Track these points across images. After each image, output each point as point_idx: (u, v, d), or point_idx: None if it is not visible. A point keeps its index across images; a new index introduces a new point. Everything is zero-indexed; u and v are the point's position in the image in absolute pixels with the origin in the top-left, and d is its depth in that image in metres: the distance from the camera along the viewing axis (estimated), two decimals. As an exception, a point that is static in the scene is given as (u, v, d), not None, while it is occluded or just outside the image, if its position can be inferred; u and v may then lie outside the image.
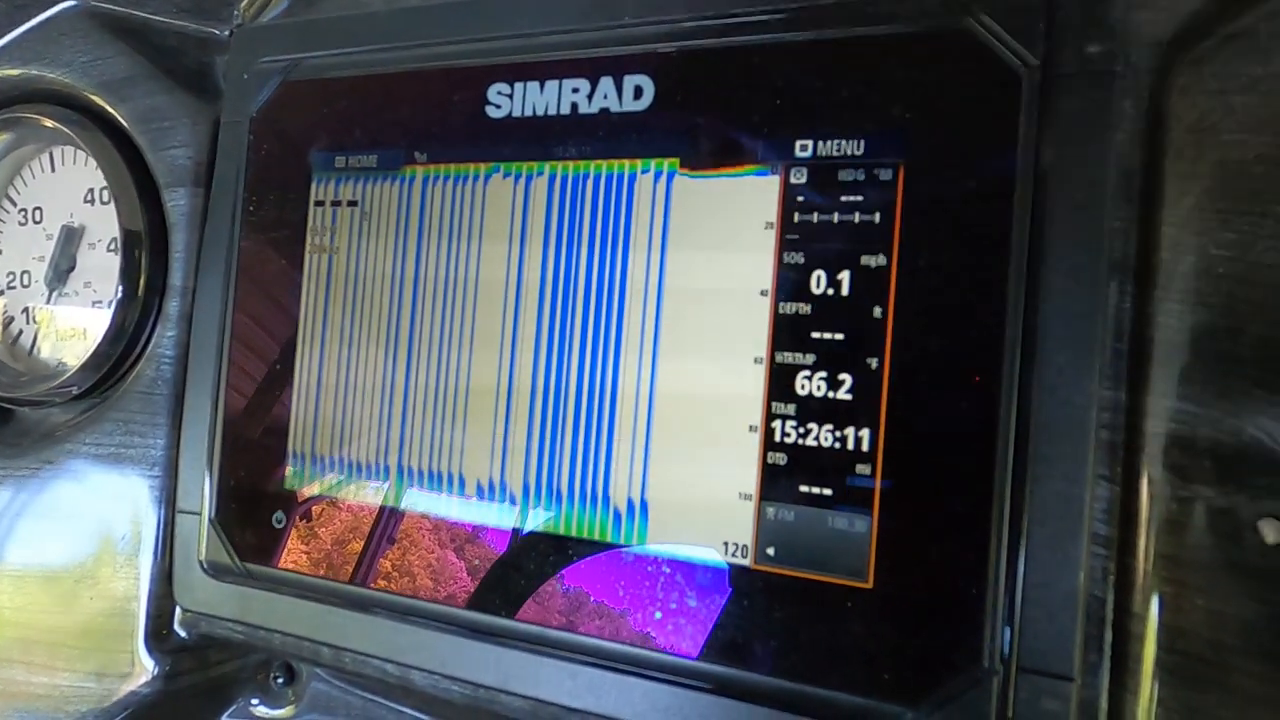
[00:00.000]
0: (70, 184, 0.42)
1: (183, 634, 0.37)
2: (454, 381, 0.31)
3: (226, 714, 0.39)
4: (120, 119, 0.39)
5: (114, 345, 0.38)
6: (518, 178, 0.31)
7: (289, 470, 0.34)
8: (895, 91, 0.26)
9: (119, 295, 0.38)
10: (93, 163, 0.40)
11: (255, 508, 0.35)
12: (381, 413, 0.33)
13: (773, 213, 0.27)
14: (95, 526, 0.38)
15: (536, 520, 0.30)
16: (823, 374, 0.26)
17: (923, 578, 0.24)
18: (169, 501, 0.37)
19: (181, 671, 0.37)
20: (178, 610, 0.37)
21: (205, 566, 0.35)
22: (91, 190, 0.42)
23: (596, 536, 0.29)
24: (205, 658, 0.38)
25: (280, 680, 0.39)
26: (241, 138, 0.36)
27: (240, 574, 0.35)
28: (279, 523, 0.34)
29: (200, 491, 0.36)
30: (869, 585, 0.25)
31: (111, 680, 0.37)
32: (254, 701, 0.39)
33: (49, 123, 0.39)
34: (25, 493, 0.39)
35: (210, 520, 0.35)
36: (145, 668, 0.37)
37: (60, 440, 0.39)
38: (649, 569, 0.28)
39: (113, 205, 0.39)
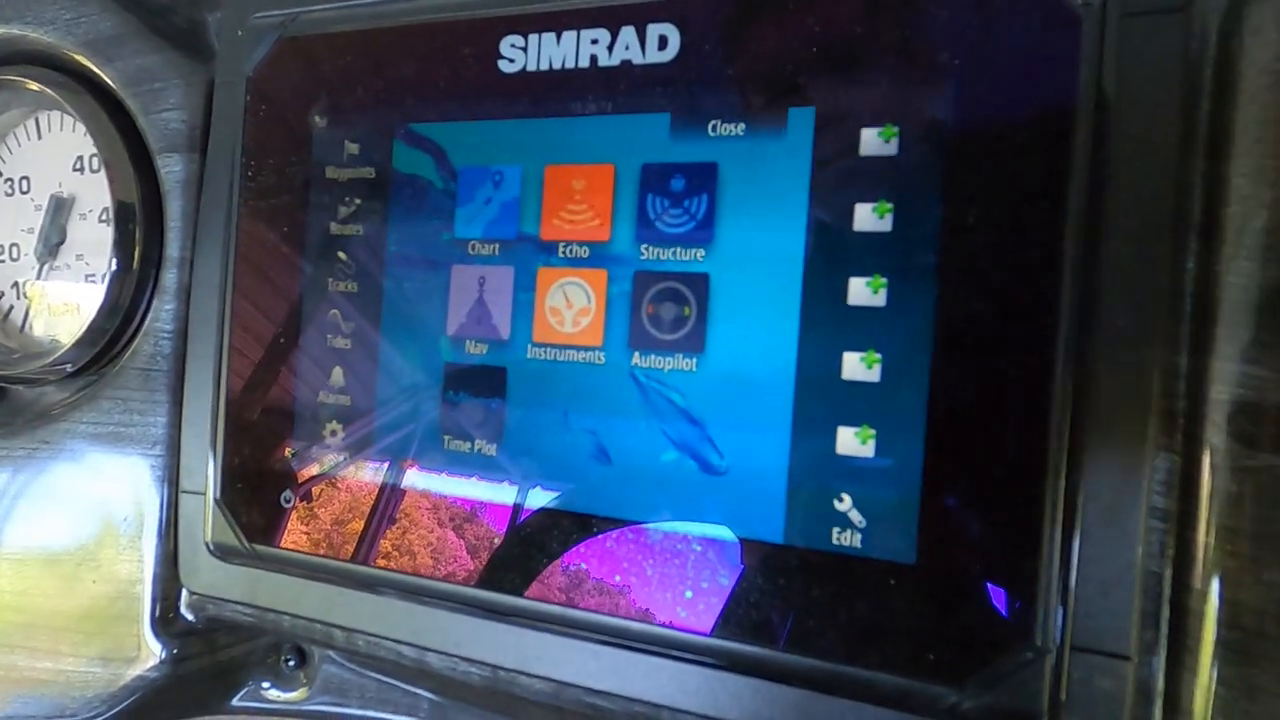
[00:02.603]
0: (58, 151, 0.40)
1: (190, 617, 0.36)
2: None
3: (237, 697, 0.38)
4: (108, 81, 0.36)
5: (109, 320, 0.37)
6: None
7: (293, 448, 0.33)
8: (943, 34, 0.24)
9: (113, 268, 0.36)
10: (81, 128, 0.38)
11: (262, 487, 0.33)
12: (386, 388, 0.31)
13: (806, 168, 0.25)
14: (96, 508, 0.36)
15: (552, 497, 0.28)
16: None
17: (971, 553, 0.23)
18: (172, 481, 0.36)
19: (189, 655, 0.36)
20: (184, 593, 0.36)
21: (211, 548, 0.34)
22: (80, 158, 0.40)
23: (621, 514, 0.27)
24: (213, 641, 0.37)
25: (291, 663, 0.38)
26: (238, 99, 0.34)
27: (248, 555, 0.33)
28: (287, 502, 0.33)
29: (204, 471, 0.34)
30: (913, 561, 0.24)
31: (118, 665, 0.36)
32: (265, 685, 0.38)
33: (34, 86, 0.37)
34: (21, 474, 0.37)
35: (215, 500, 0.34)
36: (152, 652, 0.36)
37: (56, 419, 0.37)
38: (678, 546, 0.27)
39: (103, 173, 0.37)
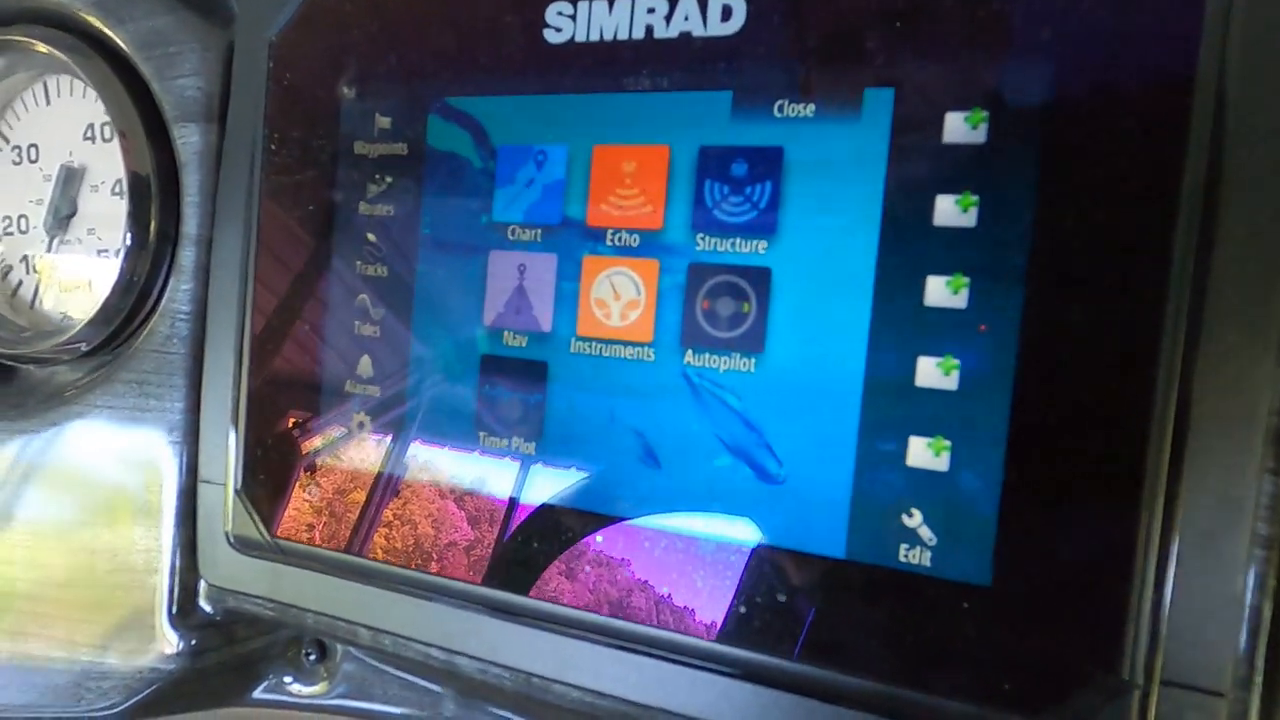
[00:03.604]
0: (68, 118, 0.38)
1: (208, 609, 0.35)
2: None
3: (257, 691, 0.37)
4: (120, 44, 0.34)
5: (123, 299, 0.35)
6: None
7: (318, 441, 0.31)
8: (1043, 9, 0.22)
9: (127, 244, 0.34)
10: (92, 94, 0.36)
11: (285, 480, 0.32)
12: (418, 379, 0.29)
13: (883, 154, 0.23)
14: (111, 495, 0.35)
15: (595, 500, 0.27)
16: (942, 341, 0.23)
17: (1053, 576, 0.21)
18: (190, 469, 0.34)
19: (208, 648, 0.35)
20: (202, 584, 0.35)
21: (232, 540, 0.33)
22: (92, 126, 0.38)
23: (670, 521, 0.26)
24: (232, 633, 0.36)
25: (312, 657, 0.37)
26: (259, 66, 0.32)
27: (270, 549, 0.32)
28: (310, 498, 0.31)
29: (223, 461, 0.33)
30: (988, 583, 0.22)
31: (134, 656, 0.35)
32: (286, 678, 0.37)
33: (42, 48, 0.35)
34: (32, 457, 0.36)
35: (236, 491, 0.33)
36: (170, 643, 0.35)
37: (69, 401, 0.36)
38: (731, 558, 0.25)
39: (116, 143, 0.35)
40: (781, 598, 0.24)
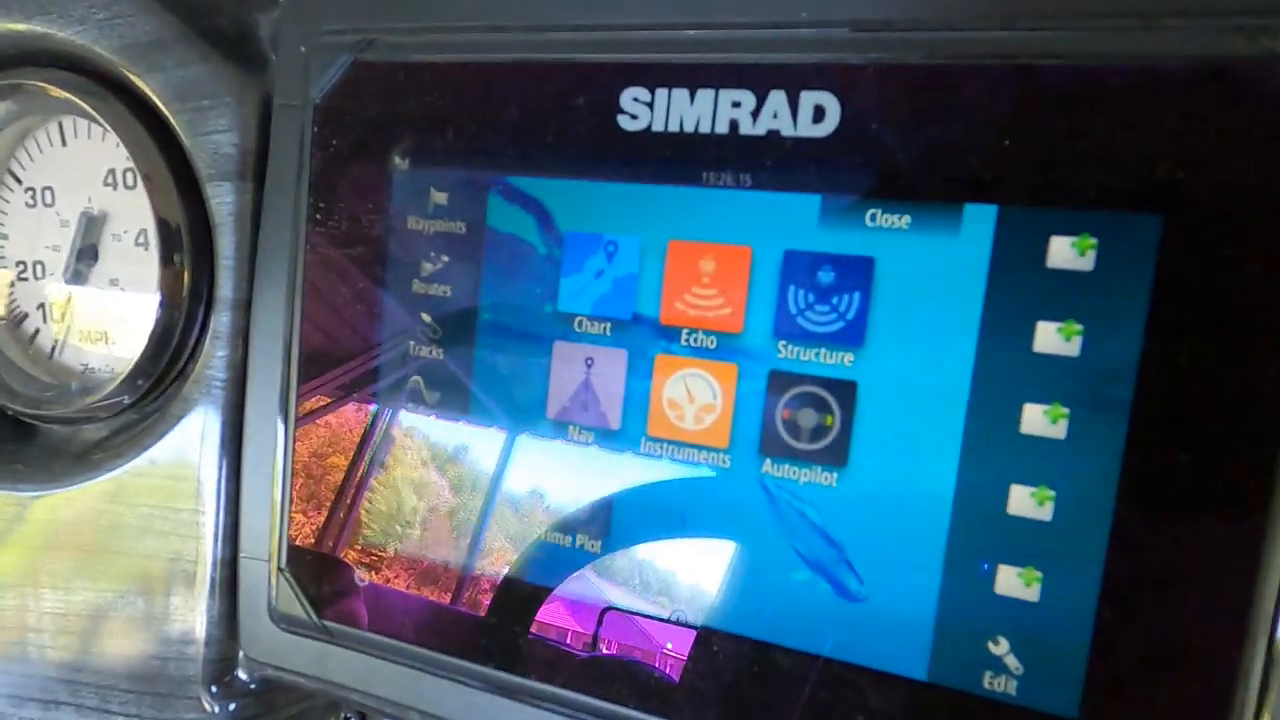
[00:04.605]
0: (85, 161, 0.36)
1: (246, 678, 0.34)
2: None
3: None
4: (150, 93, 0.32)
5: (158, 356, 0.33)
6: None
7: (371, 530, 0.30)
8: (1164, 143, 0.21)
9: (160, 304, 0.32)
10: (111, 137, 0.34)
11: (333, 563, 0.31)
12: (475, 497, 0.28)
13: (982, 274, 0.22)
14: (145, 563, 0.34)
15: (664, 608, 0.26)
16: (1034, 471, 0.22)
17: (1145, 716, 0.21)
18: (228, 539, 0.33)
19: (247, 717, 0.35)
20: (241, 654, 0.34)
21: (276, 619, 0.32)
22: (113, 171, 0.36)
23: (744, 632, 0.25)
24: (272, 701, 0.35)
25: (352, 721, 0.37)
26: (302, 127, 0.30)
27: (318, 630, 0.31)
28: (361, 582, 0.30)
29: (267, 537, 0.32)
30: (1075, 717, 0.22)
31: (171, 725, 0.34)
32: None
33: (57, 93, 0.33)
34: (62, 523, 0.35)
35: (280, 570, 0.32)
36: (208, 712, 0.34)
37: (98, 465, 0.34)
38: (806, 674, 0.25)
39: (139, 189, 0.33)
40: (859, 718, 0.24)
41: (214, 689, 0.34)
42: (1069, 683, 0.22)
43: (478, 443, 0.29)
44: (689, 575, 0.26)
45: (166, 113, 0.32)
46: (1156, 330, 0.21)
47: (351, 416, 0.30)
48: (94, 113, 0.32)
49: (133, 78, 0.32)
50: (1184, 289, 0.21)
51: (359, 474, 0.30)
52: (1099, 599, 0.22)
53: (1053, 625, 0.22)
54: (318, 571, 0.31)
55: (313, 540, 0.31)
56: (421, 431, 0.29)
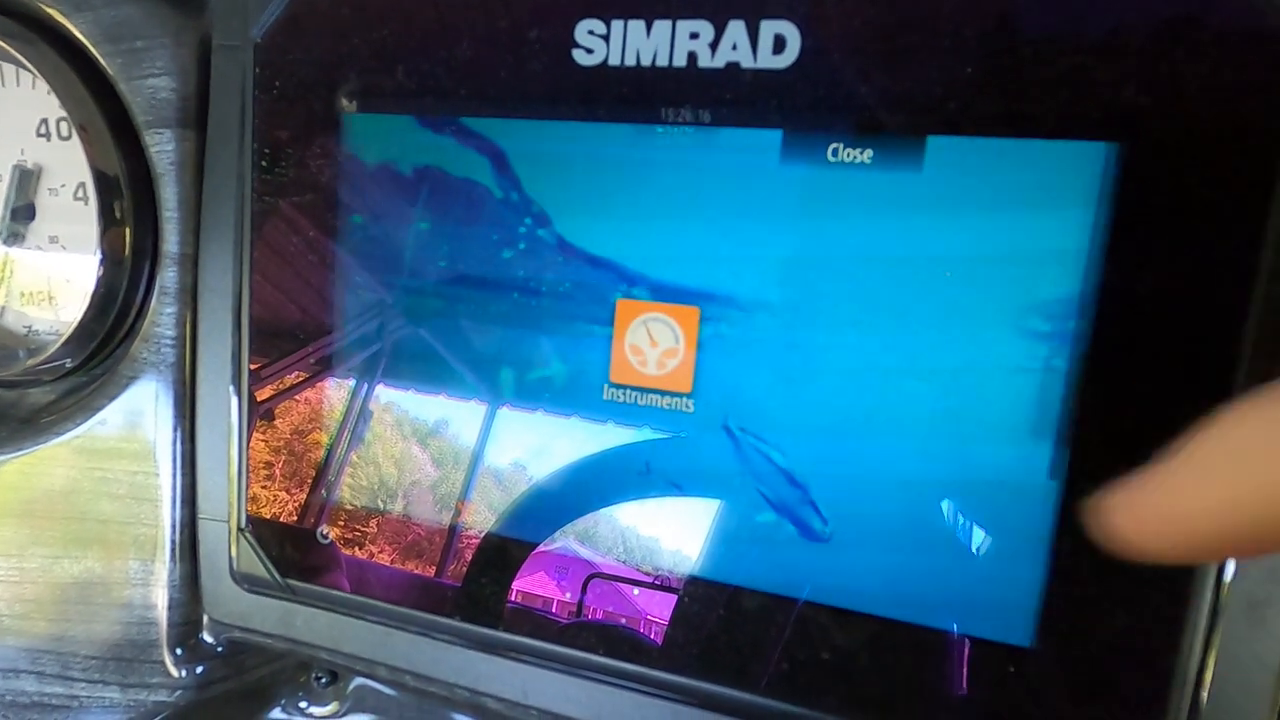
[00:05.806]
0: (15, 111, 0.34)
1: (211, 640, 0.34)
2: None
3: (268, 715, 0.37)
4: (79, 35, 0.30)
5: (102, 316, 0.32)
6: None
7: (329, 478, 0.30)
8: (1125, 82, 0.20)
9: (101, 261, 0.31)
10: (42, 84, 0.32)
11: (294, 520, 0.30)
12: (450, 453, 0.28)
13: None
14: (100, 528, 0.33)
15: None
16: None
17: (1098, 641, 0.22)
18: (186, 501, 0.32)
19: (215, 680, 0.34)
20: (206, 617, 0.33)
21: (238, 579, 0.31)
22: (45, 121, 0.34)
23: (711, 575, 0.25)
24: (240, 663, 0.35)
25: (323, 680, 0.36)
26: (242, 68, 0.29)
27: (281, 589, 0.31)
28: (324, 538, 0.30)
29: (224, 497, 0.31)
30: (1030, 645, 0.22)
31: (137, 690, 0.34)
32: (301, 703, 0.36)
33: (-20, 35, 0.31)
34: (12, 489, 0.34)
35: (241, 529, 0.31)
36: (174, 676, 0.33)
37: (47, 429, 0.33)
38: (778, 617, 0.25)
39: (74, 140, 0.31)
40: (825, 655, 0.24)
41: (178, 651, 0.33)
42: (1024, 614, 0.22)
43: (435, 393, 0.28)
44: (653, 528, 0.26)
45: (98, 55, 0.30)
46: (1111, 259, 0.21)
47: (307, 369, 0.30)
48: (20, 57, 0.31)
49: (59, 18, 0.30)
50: (1139, 218, 0.21)
51: (318, 430, 0.30)
52: (1053, 534, 0.22)
53: (1009, 556, 0.22)
54: (279, 530, 0.31)
55: (272, 499, 0.31)
56: (383, 381, 0.29)
